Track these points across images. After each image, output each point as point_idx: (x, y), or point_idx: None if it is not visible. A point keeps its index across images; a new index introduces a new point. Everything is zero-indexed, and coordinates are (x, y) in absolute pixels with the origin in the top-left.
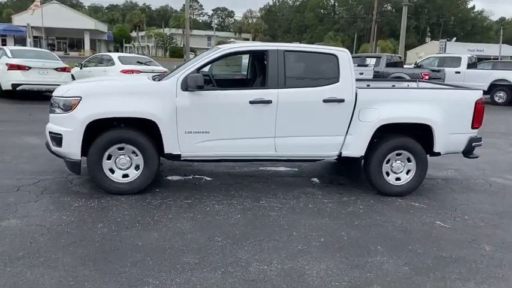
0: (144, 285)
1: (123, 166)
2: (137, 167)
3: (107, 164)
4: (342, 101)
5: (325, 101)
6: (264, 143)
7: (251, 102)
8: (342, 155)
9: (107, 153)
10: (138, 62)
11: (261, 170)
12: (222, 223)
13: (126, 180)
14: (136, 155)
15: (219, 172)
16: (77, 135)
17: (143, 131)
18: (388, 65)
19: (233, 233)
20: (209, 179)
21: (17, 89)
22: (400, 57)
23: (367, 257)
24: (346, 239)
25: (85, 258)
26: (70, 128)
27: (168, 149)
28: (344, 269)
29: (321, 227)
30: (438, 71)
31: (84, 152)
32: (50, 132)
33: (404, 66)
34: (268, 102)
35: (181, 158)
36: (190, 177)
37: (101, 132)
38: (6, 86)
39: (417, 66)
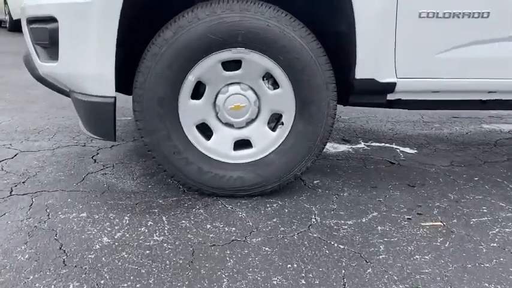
0: None
1: (237, 116)
2: (275, 120)
3: (190, 112)
4: None
5: None
6: None
7: None
8: None
9: (191, 78)
10: None
11: (487, 131)
12: None
13: (244, 156)
14: (276, 85)
15: (410, 135)
16: (100, 21)
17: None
18: None
19: None
20: (409, 151)
21: None
22: None
23: None
24: None
25: None
26: None
27: (364, 68)
28: None
29: None
30: None
31: (125, 80)
32: (29, 22)
33: None
34: None
35: (393, 96)
36: (362, 145)
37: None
38: (17, 14)
39: None
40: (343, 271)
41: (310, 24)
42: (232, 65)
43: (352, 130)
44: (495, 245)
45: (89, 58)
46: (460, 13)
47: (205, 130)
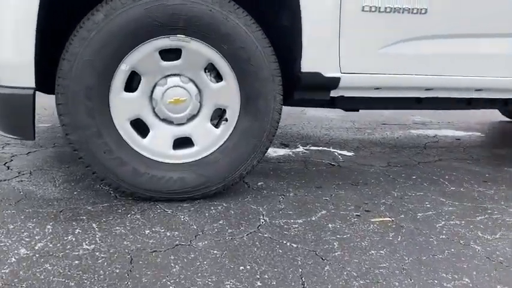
0: None
1: (177, 111)
2: (218, 116)
3: (124, 106)
4: None
5: None
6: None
7: None
8: None
9: (124, 68)
10: None
11: (415, 135)
12: None
13: (185, 155)
14: (219, 78)
15: (345, 139)
16: None
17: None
18: None
19: None
20: (347, 153)
21: None
22: None
23: None
24: None
25: None
26: None
27: (310, 61)
28: None
29: None
30: None
31: (45, 73)
32: None
33: None
34: None
35: (336, 92)
36: (301, 149)
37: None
38: None
39: None
40: (300, 270)
41: (254, 16)
42: (171, 54)
43: (290, 136)
44: (444, 237)
45: (3, 41)
46: (400, 8)
47: (141, 127)
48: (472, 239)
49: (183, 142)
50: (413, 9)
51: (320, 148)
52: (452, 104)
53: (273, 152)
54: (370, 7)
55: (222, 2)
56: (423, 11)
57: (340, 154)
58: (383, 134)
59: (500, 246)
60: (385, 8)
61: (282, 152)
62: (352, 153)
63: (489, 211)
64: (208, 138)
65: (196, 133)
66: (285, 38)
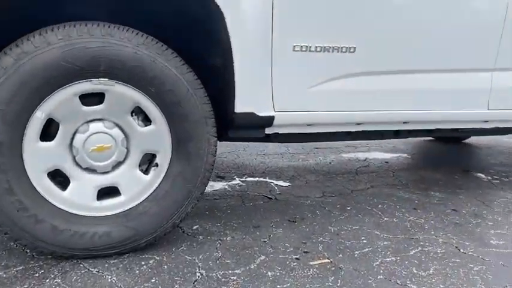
0: None
1: (101, 159)
2: (148, 161)
3: (40, 157)
4: None
5: None
6: (469, 85)
7: None
8: None
9: (39, 115)
10: None
11: (347, 159)
12: None
13: (111, 206)
14: (147, 121)
15: (280, 167)
16: None
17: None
18: None
19: None
20: (283, 184)
21: None
22: None
23: None
24: None
25: None
26: None
27: (243, 100)
28: None
29: None
30: None
31: None
32: None
33: None
34: None
35: (271, 130)
36: (237, 181)
37: None
38: None
39: None
40: None
41: (184, 57)
42: (93, 98)
43: (225, 165)
44: (381, 277)
45: None
46: (330, 47)
47: (62, 176)
48: (408, 278)
49: (109, 192)
50: (342, 47)
51: (256, 179)
52: (381, 135)
53: (209, 186)
54: (301, 47)
55: (148, 44)
56: (352, 50)
57: (276, 185)
58: (316, 159)
59: (434, 284)
60: (315, 47)
61: (218, 186)
62: (288, 183)
63: (421, 243)
64: (136, 186)
65: (123, 181)
66: (218, 78)
